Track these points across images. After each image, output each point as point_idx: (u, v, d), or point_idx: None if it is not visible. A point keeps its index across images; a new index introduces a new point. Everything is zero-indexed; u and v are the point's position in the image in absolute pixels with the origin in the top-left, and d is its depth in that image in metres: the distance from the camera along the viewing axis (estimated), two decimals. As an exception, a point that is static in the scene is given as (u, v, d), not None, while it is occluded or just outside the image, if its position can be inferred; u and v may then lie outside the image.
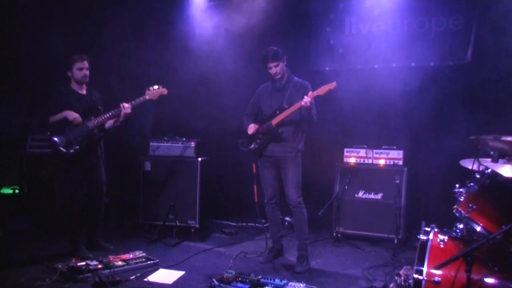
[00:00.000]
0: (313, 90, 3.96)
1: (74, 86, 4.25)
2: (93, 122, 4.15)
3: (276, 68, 4.06)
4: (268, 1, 5.61)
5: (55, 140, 4.02)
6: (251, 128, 4.19)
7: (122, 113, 4.21)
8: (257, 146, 4.19)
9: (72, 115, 4.07)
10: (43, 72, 5.26)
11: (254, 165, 4.42)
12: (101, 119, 4.18)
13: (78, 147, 4.05)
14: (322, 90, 3.89)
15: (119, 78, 5.56)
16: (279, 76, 4.11)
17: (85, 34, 5.49)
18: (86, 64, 4.20)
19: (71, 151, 4.02)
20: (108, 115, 4.20)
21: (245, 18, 5.66)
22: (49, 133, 4.05)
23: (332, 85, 3.87)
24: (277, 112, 4.09)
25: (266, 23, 5.57)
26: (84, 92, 4.29)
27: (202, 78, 5.86)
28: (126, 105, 4.22)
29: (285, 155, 4.11)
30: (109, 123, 4.30)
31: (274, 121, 4.07)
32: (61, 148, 4.01)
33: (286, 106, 4.05)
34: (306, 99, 3.85)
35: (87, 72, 4.21)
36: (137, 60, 5.81)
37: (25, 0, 5.15)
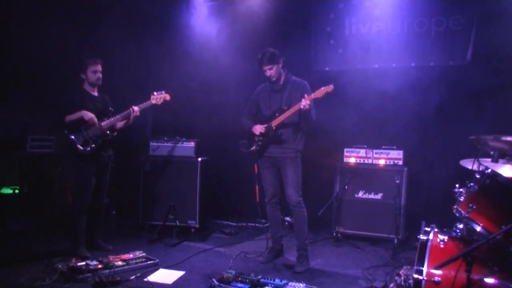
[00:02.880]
0: (313, 90, 3.97)
1: (87, 87, 4.40)
2: (106, 123, 4.30)
3: (270, 71, 4.08)
4: (268, 1, 5.61)
5: (73, 139, 4.18)
6: (258, 129, 4.17)
7: (132, 116, 4.37)
8: (257, 147, 4.19)
9: (88, 115, 4.22)
10: (43, 72, 5.27)
11: (255, 166, 4.42)
12: (113, 119, 4.33)
13: (94, 145, 4.22)
14: (319, 92, 3.91)
15: (119, 79, 5.55)
16: (274, 79, 4.13)
17: (85, 35, 5.49)
18: (99, 67, 4.36)
19: (87, 149, 4.21)
20: (119, 116, 4.35)
21: (245, 18, 5.66)
22: (66, 131, 4.21)
23: (330, 87, 3.89)
24: (276, 114, 4.10)
25: (266, 23, 5.57)
26: (96, 94, 4.45)
27: (202, 78, 5.85)
28: (135, 108, 4.38)
29: (285, 155, 4.12)
30: (120, 124, 4.47)
31: (274, 123, 4.08)
32: (79, 146, 4.19)
33: (285, 108, 4.06)
34: (304, 102, 3.85)
35: (101, 75, 4.38)
36: (136, 61, 5.79)
37: (25, 0, 5.15)
